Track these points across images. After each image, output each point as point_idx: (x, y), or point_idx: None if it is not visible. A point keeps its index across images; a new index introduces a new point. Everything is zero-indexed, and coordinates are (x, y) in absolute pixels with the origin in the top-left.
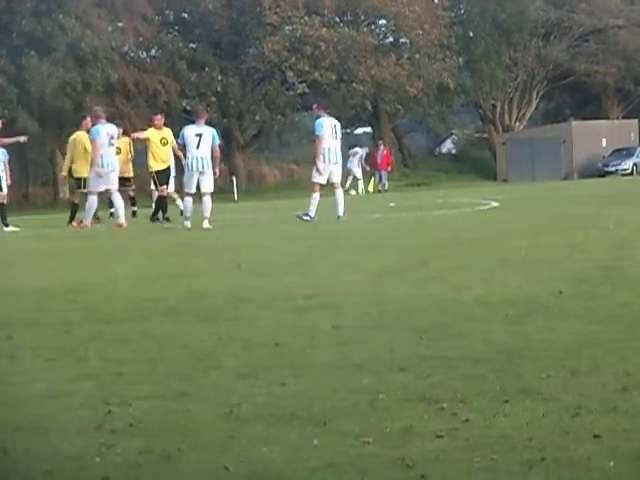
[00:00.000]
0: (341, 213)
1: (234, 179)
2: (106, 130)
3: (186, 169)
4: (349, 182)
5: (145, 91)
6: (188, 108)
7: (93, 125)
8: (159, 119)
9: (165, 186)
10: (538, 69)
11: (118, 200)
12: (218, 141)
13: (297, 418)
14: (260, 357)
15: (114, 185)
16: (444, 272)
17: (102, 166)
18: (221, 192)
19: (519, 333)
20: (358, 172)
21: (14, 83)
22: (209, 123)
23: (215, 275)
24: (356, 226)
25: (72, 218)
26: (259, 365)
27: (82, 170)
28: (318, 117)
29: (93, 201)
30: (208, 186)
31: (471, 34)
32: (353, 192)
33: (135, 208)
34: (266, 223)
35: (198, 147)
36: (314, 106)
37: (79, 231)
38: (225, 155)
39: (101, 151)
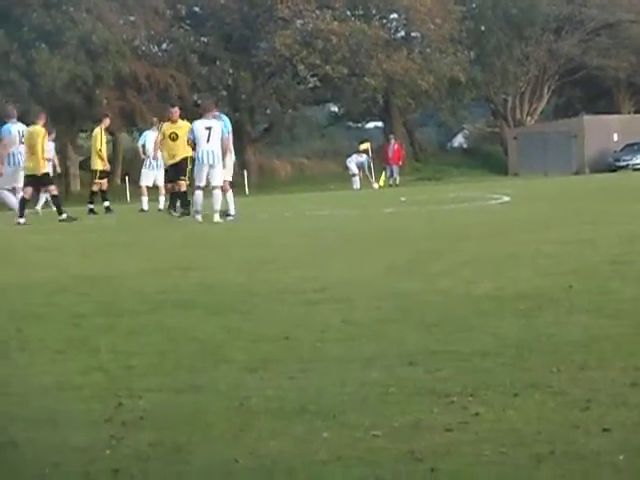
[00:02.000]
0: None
1: (245, 173)
2: (17, 128)
3: (196, 162)
4: (356, 182)
5: (156, 85)
6: (199, 102)
7: (4, 123)
8: (172, 113)
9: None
10: (550, 63)
11: (18, 199)
12: (228, 129)
13: (306, 411)
14: (270, 350)
15: (19, 183)
16: (454, 266)
17: (14, 164)
18: (232, 186)
19: (529, 327)
20: (354, 168)
21: (25, 77)
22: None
23: (225, 268)
24: (367, 220)
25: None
26: (269, 358)
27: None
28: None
29: (6, 196)
30: (218, 179)
31: (483, 28)
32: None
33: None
34: (277, 217)
35: (208, 140)
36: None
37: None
38: (236, 149)
39: (12, 149)
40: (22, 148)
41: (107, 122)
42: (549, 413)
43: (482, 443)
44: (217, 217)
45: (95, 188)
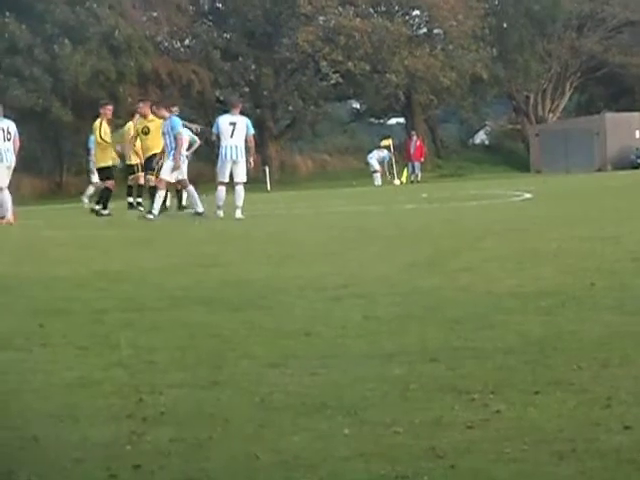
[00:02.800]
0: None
1: (267, 169)
2: (1, 126)
3: (220, 158)
4: (378, 178)
5: (179, 81)
6: (221, 98)
7: None
8: (141, 107)
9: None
10: (572, 61)
11: (7, 197)
12: (252, 131)
13: (328, 407)
14: (291, 346)
15: (5, 181)
16: (476, 263)
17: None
18: (254, 182)
19: (551, 324)
20: (375, 164)
21: (48, 72)
22: (242, 113)
23: (247, 264)
24: (388, 217)
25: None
26: (290, 354)
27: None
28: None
29: (6, 196)
30: (241, 175)
31: (505, 25)
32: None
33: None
34: (298, 213)
35: (232, 136)
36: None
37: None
38: (258, 145)
39: None
40: (8, 145)
41: (138, 116)
42: (570, 411)
43: (503, 441)
44: (239, 213)
45: (141, 181)
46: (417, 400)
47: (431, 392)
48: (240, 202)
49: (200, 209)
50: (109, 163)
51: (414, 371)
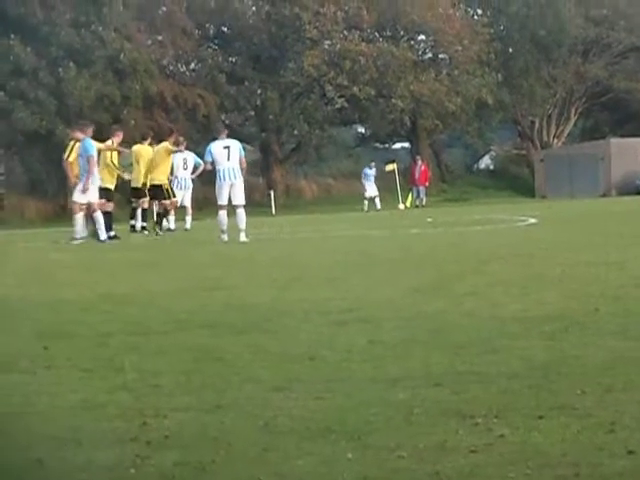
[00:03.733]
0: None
1: (272, 193)
2: None
3: (217, 180)
4: (378, 203)
5: (184, 105)
6: (227, 122)
7: None
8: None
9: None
10: (577, 86)
11: None
12: (244, 153)
13: (332, 432)
14: (295, 370)
15: None
16: (481, 288)
17: None
18: (259, 206)
19: (555, 349)
20: (369, 190)
21: (53, 95)
22: (248, 136)
23: (252, 288)
24: (393, 241)
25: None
26: (294, 378)
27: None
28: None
29: None
30: (239, 197)
31: (510, 50)
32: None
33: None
34: (303, 237)
35: (229, 159)
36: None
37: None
38: (263, 169)
39: None
40: None
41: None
42: (574, 435)
43: (507, 465)
44: (243, 236)
45: (145, 205)
46: (421, 424)
47: (435, 416)
48: (243, 225)
49: (78, 235)
50: (112, 185)
51: (418, 395)
